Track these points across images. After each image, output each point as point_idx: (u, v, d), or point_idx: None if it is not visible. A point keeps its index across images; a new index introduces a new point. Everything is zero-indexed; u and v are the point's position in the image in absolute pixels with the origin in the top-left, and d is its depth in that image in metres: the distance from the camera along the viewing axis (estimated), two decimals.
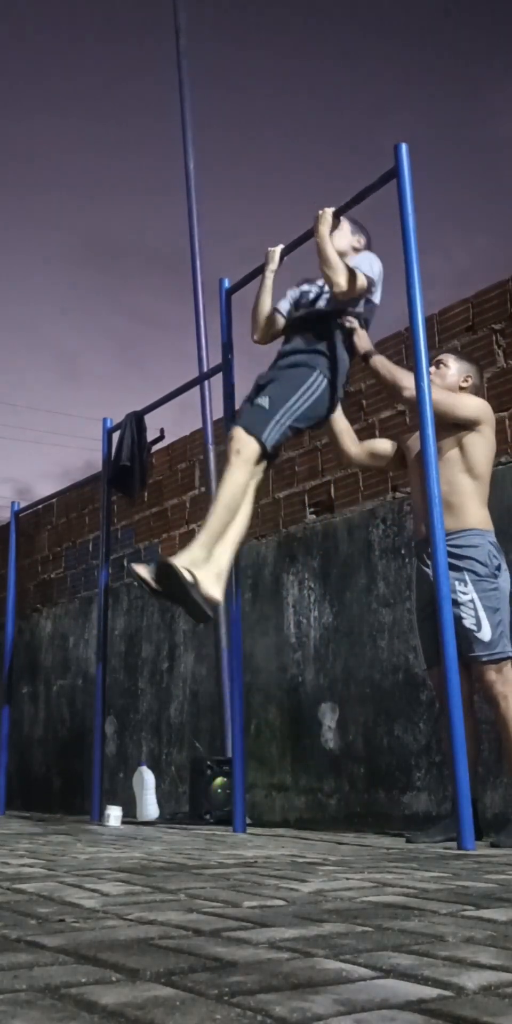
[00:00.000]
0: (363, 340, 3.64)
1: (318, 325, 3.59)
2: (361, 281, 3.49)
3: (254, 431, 3.28)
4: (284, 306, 3.78)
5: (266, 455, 3.37)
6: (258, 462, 3.34)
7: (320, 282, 3.69)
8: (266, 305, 3.78)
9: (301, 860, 2.34)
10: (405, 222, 3.25)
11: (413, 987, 0.89)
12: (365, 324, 3.68)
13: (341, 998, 0.84)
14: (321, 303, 3.66)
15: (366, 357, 3.64)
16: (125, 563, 6.78)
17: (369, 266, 3.56)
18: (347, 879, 1.86)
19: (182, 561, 3.09)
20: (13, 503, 6.50)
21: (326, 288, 3.61)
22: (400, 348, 4.80)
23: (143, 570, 3.12)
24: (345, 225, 3.71)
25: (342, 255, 3.55)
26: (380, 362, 3.63)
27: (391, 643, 4.64)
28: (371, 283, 3.56)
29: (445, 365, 3.60)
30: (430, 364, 3.67)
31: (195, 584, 3.04)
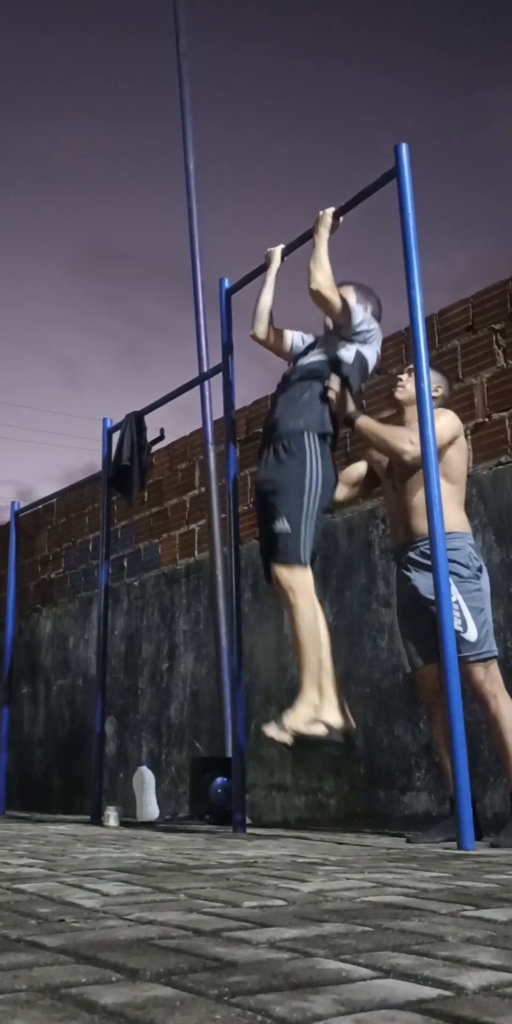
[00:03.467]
0: (345, 404, 3.50)
1: (300, 391, 3.50)
2: (336, 303, 3.41)
3: (294, 561, 3.28)
4: (293, 339, 3.74)
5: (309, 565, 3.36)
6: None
7: (310, 337, 3.66)
8: (267, 301, 3.78)
9: (301, 860, 2.34)
10: (405, 221, 3.25)
11: (413, 987, 0.89)
12: (350, 384, 3.55)
13: (341, 998, 0.84)
14: (309, 359, 3.59)
15: (349, 421, 3.54)
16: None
17: (360, 312, 3.48)
18: (347, 879, 1.86)
19: (306, 716, 3.18)
20: (13, 503, 6.50)
21: (315, 346, 3.58)
22: (400, 348, 4.80)
23: (276, 733, 3.16)
24: (351, 290, 3.63)
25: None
26: (366, 424, 3.53)
27: (391, 643, 4.64)
28: (352, 317, 3.46)
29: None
30: (405, 372, 3.67)
31: (330, 732, 3.17)
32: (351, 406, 3.54)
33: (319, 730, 3.13)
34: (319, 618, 3.31)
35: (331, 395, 3.48)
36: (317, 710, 3.18)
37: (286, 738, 3.12)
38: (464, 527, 3.45)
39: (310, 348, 3.65)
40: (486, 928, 1.24)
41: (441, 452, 3.33)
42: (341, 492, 3.76)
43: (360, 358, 3.55)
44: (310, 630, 3.21)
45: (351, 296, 3.59)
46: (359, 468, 3.84)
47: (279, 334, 3.78)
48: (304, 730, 3.12)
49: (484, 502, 4.24)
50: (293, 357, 3.71)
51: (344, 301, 3.47)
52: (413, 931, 1.21)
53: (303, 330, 3.83)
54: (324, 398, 3.48)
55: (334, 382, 3.49)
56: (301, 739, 3.13)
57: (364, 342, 3.54)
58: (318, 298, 3.44)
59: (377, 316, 3.66)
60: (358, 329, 3.50)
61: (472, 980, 0.92)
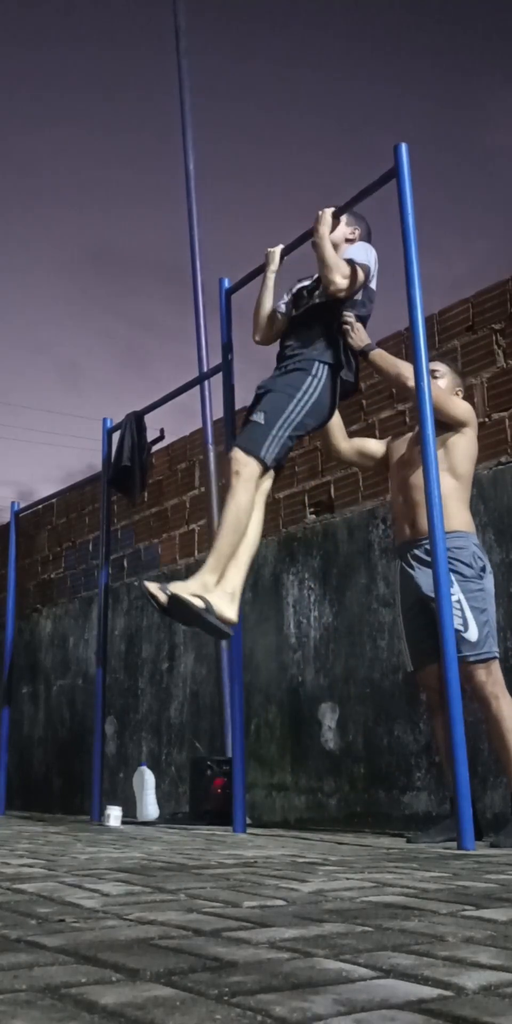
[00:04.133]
0: (359, 335, 3.58)
1: (315, 322, 3.56)
2: (359, 275, 3.48)
3: (252, 451, 3.28)
4: (283, 306, 3.77)
5: (269, 468, 3.36)
6: (260, 477, 3.33)
7: (316, 275, 3.69)
8: (267, 305, 3.78)
9: (301, 860, 2.34)
10: (405, 221, 3.25)
11: (413, 987, 0.89)
12: (363, 319, 3.63)
13: (341, 998, 0.84)
14: (317, 298, 3.62)
15: (363, 353, 3.59)
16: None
17: (364, 255, 3.53)
18: (347, 879, 1.86)
19: (192, 588, 3.09)
20: (13, 503, 6.49)
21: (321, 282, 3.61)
22: (400, 348, 4.80)
23: (156, 589, 3.10)
24: (342, 218, 3.70)
25: (336, 247, 3.55)
26: (380, 356, 3.59)
27: (391, 643, 4.64)
28: (367, 272, 3.54)
29: (439, 374, 3.62)
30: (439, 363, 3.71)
31: (208, 609, 3.05)
32: (365, 338, 3.60)
33: (198, 602, 3.01)
34: (254, 516, 3.28)
35: (347, 327, 3.55)
36: (205, 589, 3.09)
37: (162, 597, 3.02)
38: (469, 527, 3.45)
39: (317, 282, 3.65)
40: (486, 928, 1.24)
41: (448, 418, 3.40)
42: (347, 445, 3.87)
43: (368, 292, 3.62)
44: (236, 517, 3.19)
45: (342, 227, 3.67)
46: (377, 445, 3.91)
47: (275, 322, 3.79)
48: (183, 594, 3.01)
49: (484, 502, 4.24)
50: (296, 293, 3.74)
51: (354, 271, 3.48)
52: (413, 931, 1.21)
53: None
54: (339, 332, 3.54)
55: (349, 316, 3.55)
56: (177, 604, 3.02)
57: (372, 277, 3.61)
58: (345, 295, 3.50)
59: (369, 234, 3.73)
60: (371, 275, 3.57)
61: (472, 980, 0.92)
